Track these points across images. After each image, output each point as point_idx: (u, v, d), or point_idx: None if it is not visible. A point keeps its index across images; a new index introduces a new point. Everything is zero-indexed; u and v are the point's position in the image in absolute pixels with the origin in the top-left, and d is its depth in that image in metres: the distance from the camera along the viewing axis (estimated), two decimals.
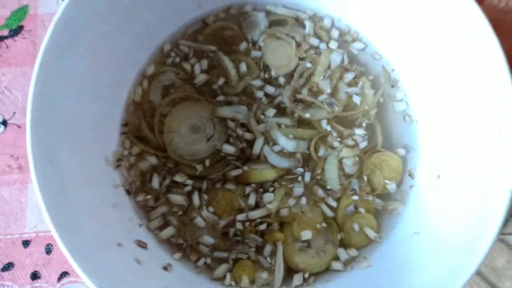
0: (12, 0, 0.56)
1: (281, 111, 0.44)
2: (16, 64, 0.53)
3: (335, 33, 0.46)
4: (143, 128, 0.44)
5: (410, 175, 0.42)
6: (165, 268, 0.38)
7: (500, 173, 0.32)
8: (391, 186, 0.42)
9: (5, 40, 0.54)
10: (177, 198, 0.42)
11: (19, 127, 0.50)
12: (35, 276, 0.46)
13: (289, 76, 0.45)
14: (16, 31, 0.54)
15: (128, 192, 0.42)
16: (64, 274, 0.46)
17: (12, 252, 0.47)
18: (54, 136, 0.35)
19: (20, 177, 0.49)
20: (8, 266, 0.46)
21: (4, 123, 0.51)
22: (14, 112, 0.51)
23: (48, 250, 0.47)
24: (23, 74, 0.53)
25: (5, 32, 0.54)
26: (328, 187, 0.42)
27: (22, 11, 0.55)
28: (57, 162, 0.35)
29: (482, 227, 0.32)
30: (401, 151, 0.43)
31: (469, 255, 0.31)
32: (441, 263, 0.33)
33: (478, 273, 1.28)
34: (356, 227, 0.41)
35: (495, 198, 0.32)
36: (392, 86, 0.45)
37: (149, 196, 0.42)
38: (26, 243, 0.47)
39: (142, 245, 0.39)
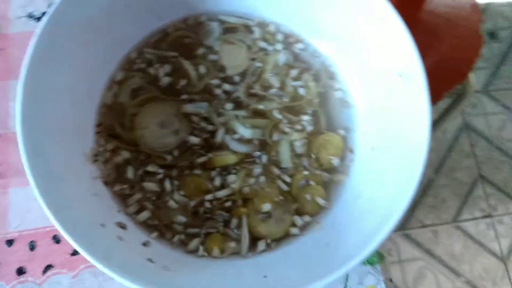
0: None
1: (238, 104, 0.50)
2: None
3: (280, 37, 0.54)
4: (115, 127, 0.49)
5: (351, 151, 0.49)
6: (144, 244, 0.43)
7: (415, 144, 0.40)
8: (335, 161, 0.49)
9: None
10: (150, 185, 0.47)
11: None
12: (20, 271, 0.49)
13: (243, 75, 0.52)
14: None
15: (105, 183, 0.47)
16: (48, 267, 0.50)
17: None
18: (40, 135, 0.40)
19: (1, 182, 0.53)
20: None
21: None
22: None
23: (32, 247, 0.50)
24: None
25: None
26: (283, 166, 0.48)
27: None
28: (45, 157, 0.40)
29: (403, 188, 0.39)
30: (342, 132, 0.50)
31: (394, 209, 0.38)
32: (375, 217, 0.40)
33: (439, 260, 1.37)
34: (308, 197, 0.47)
35: (413, 162, 0.40)
36: (331, 78, 0.52)
37: (125, 186, 0.47)
38: (9, 242, 0.50)
39: (122, 226, 0.43)
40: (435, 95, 0.84)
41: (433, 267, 1.37)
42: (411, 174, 0.39)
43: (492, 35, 1.57)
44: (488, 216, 1.41)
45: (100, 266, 0.35)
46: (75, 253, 0.50)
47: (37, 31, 0.41)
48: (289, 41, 0.54)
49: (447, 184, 1.45)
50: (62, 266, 0.50)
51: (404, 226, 1.39)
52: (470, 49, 0.86)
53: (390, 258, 1.37)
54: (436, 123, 1.08)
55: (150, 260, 0.41)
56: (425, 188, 1.42)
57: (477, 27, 0.86)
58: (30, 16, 0.59)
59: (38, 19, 0.59)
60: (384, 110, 0.46)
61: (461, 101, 0.97)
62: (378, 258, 0.50)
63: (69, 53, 0.45)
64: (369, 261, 0.49)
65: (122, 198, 0.46)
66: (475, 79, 0.88)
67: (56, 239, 0.51)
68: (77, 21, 0.45)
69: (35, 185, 0.37)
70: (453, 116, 1.13)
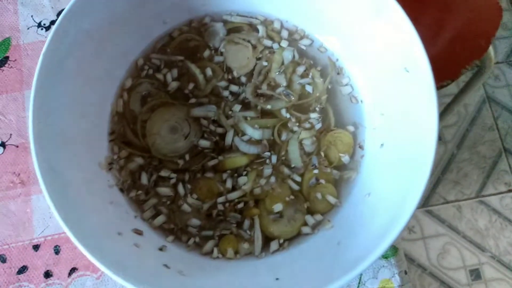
0: None
1: (245, 105, 0.51)
2: (7, 91, 0.59)
3: (284, 34, 0.53)
4: (128, 134, 0.50)
5: (360, 147, 0.49)
6: (160, 249, 0.45)
7: (423, 138, 0.40)
8: (345, 158, 0.49)
9: None
10: (164, 190, 0.48)
11: (17, 146, 0.56)
12: (47, 274, 0.52)
13: (250, 75, 0.52)
14: (2, 62, 0.60)
15: (121, 190, 0.48)
16: (73, 270, 0.52)
17: (24, 256, 0.53)
18: (53, 150, 0.42)
19: (23, 190, 0.55)
20: (23, 269, 0.52)
21: (3, 145, 0.56)
22: (11, 134, 0.57)
23: (57, 251, 0.53)
24: (14, 100, 0.58)
25: None
26: (292, 165, 0.49)
27: (5, 43, 0.61)
28: (59, 170, 0.41)
29: (414, 182, 0.39)
30: (351, 128, 0.50)
31: (405, 204, 0.38)
32: (386, 214, 0.40)
33: (463, 236, 1.35)
34: (319, 195, 0.48)
35: (422, 158, 0.39)
36: (338, 74, 0.52)
37: (140, 192, 0.48)
38: (36, 247, 0.53)
39: (138, 232, 0.45)
40: (453, 72, 0.82)
41: (457, 242, 1.36)
42: (421, 172, 0.39)
43: None
44: None
45: (114, 276, 0.36)
46: None
47: (43, 48, 0.42)
48: (294, 37, 0.53)
49: (470, 159, 1.42)
50: (86, 269, 0.52)
51: (426, 202, 1.37)
52: (488, 22, 0.83)
53: (413, 235, 1.36)
54: (456, 98, 1.06)
55: (165, 265, 0.42)
56: (448, 164, 1.40)
57: None
58: (40, 25, 0.60)
59: (48, 28, 0.60)
60: (392, 106, 0.46)
61: (482, 75, 0.94)
62: (392, 251, 0.50)
63: (76, 66, 0.46)
64: (383, 255, 0.50)
65: (138, 204, 0.48)
66: (495, 49, 0.85)
67: None
68: (82, 33, 0.45)
69: (50, 200, 0.38)
70: (474, 90, 1.10)
